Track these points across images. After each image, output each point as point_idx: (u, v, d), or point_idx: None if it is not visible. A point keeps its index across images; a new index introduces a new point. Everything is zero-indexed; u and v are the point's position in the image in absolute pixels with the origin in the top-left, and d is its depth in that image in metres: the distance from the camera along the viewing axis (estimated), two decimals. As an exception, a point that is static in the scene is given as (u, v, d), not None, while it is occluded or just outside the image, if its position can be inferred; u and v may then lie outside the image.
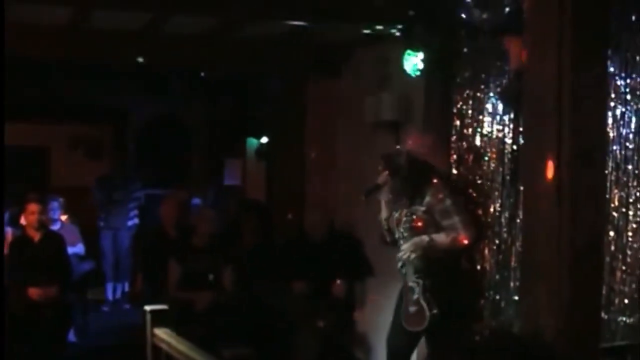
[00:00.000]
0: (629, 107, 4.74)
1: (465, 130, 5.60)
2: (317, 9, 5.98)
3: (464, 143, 5.62)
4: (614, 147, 4.73)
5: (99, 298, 9.02)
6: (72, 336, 7.32)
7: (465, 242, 4.65)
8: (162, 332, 4.00)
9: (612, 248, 4.71)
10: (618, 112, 4.74)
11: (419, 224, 4.69)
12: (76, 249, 7.91)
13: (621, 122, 4.75)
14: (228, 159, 11.40)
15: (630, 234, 4.74)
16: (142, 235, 8.80)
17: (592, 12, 3.78)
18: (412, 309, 4.65)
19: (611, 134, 4.69)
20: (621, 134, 4.75)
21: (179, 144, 11.70)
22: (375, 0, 5.88)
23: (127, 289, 9.29)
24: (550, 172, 3.73)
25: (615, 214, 4.74)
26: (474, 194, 5.47)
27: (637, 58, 4.71)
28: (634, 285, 4.71)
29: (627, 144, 4.74)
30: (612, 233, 4.71)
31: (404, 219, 4.76)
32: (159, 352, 4.00)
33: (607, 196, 4.59)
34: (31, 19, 6.28)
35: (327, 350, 6.39)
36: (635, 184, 4.74)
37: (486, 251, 5.38)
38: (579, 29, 3.72)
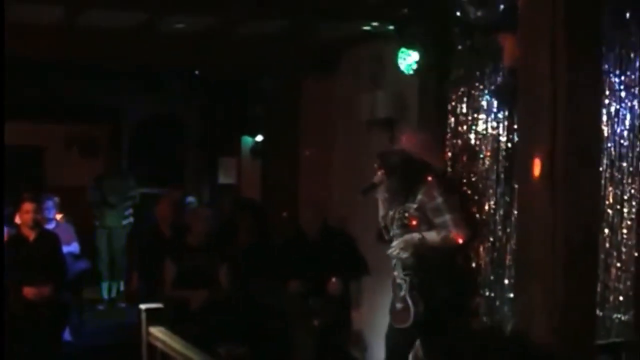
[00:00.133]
0: (623, 105, 4.73)
1: (459, 128, 5.61)
2: (312, 8, 5.98)
3: (459, 141, 5.62)
4: (609, 145, 4.73)
5: (94, 297, 9.02)
6: (67, 335, 7.29)
7: (459, 240, 4.64)
8: (157, 331, 4.00)
9: (607, 245, 4.71)
10: (612, 109, 4.74)
11: (413, 221, 4.69)
12: (71, 248, 7.89)
13: (615, 120, 4.74)
14: (223, 158, 11.37)
15: (625, 231, 4.73)
16: (137, 234, 8.81)
17: (585, 9, 3.78)
18: (399, 305, 4.64)
19: (606, 131, 4.69)
20: (615, 131, 4.74)
21: (174, 143, 11.68)
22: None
23: (122, 287, 9.29)
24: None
25: (610, 211, 4.74)
26: (469, 192, 5.47)
27: (632, 55, 4.70)
28: (628, 283, 4.70)
29: (622, 141, 4.73)
30: (606, 230, 4.71)
31: (397, 216, 4.75)
32: (155, 351, 4.00)
33: (602, 193, 4.60)
34: (28, 18, 6.26)
35: (323, 348, 6.39)
36: (629, 181, 4.73)
37: (481, 249, 5.38)
38: (573, 26, 3.72)
